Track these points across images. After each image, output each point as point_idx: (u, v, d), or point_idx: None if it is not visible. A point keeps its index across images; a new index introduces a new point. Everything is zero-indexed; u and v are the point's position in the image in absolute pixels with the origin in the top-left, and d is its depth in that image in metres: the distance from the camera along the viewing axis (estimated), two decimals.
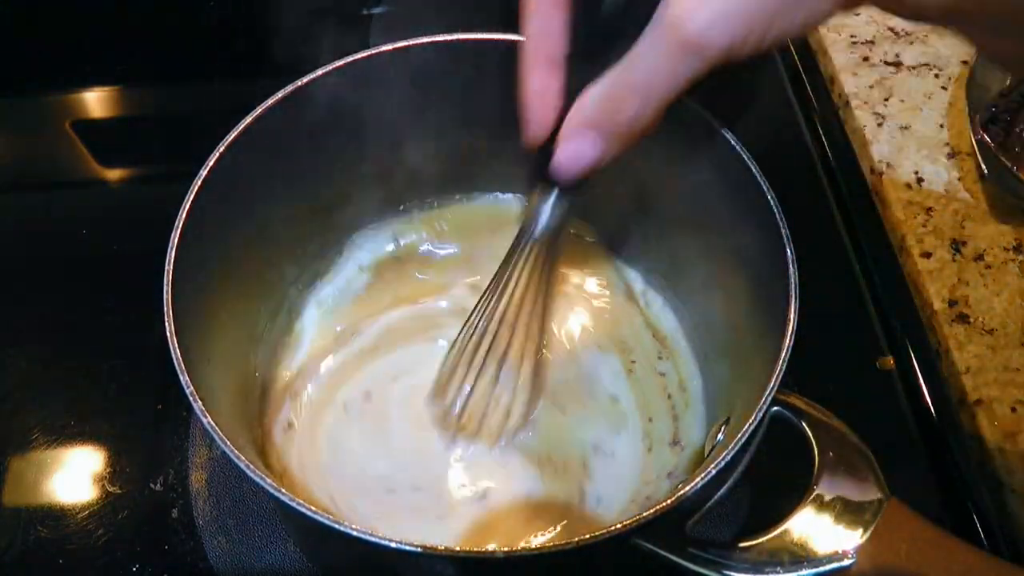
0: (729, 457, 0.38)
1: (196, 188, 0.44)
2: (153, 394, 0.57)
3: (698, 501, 0.42)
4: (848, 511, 0.40)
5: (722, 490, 0.42)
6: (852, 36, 0.75)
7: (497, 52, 0.48)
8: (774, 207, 0.44)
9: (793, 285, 0.42)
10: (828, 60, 0.74)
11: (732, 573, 0.39)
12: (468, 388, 0.50)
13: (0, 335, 0.62)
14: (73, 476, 0.55)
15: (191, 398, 0.38)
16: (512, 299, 0.45)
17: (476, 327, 0.47)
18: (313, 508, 0.35)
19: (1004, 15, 0.30)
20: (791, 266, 0.42)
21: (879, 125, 0.68)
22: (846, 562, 0.39)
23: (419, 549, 0.35)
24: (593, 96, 0.35)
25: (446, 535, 0.48)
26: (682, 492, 0.37)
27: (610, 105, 0.34)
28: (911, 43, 0.74)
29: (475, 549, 0.39)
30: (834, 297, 0.62)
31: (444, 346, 0.54)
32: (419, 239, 0.61)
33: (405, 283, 0.59)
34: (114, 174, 0.73)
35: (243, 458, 0.37)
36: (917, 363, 0.58)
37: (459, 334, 0.49)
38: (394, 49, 0.49)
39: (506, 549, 0.35)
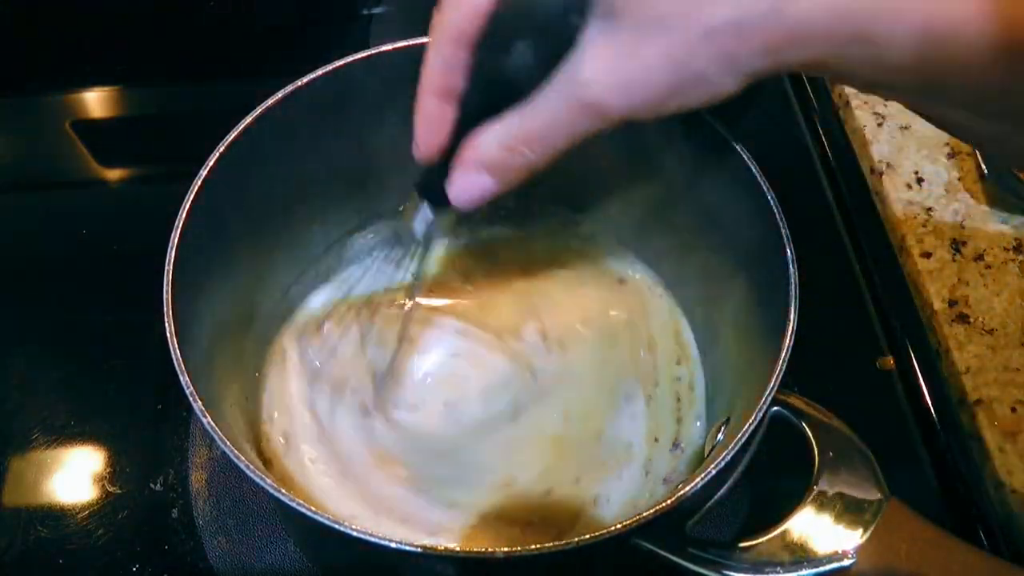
0: (729, 457, 0.38)
1: (196, 188, 0.44)
2: (153, 394, 0.57)
3: (698, 501, 0.42)
4: (848, 511, 0.40)
5: (722, 490, 0.42)
6: None
7: None
8: (774, 207, 0.44)
9: (793, 285, 0.42)
10: None
11: (732, 573, 0.39)
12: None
13: (0, 335, 0.62)
14: (73, 476, 0.55)
15: (191, 398, 0.38)
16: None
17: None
18: (313, 508, 0.35)
19: (975, 86, 0.29)
20: (791, 266, 0.42)
21: (879, 125, 0.68)
22: (846, 562, 0.39)
23: (419, 549, 0.35)
24: (490, 139, 0.36)
25: (455, 523, 0.48)
26: (682, 492, 0.37)
27: (507, 151, 0.36)
28: None
29: (475, 549, 0.39)
30: (834, 297, 0.62)
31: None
32: None
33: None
34: (114, 174, 0.73)
35: (243, 458, 0.37)
36: (917, 363, 0.58)
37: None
38: (394, 49, 0.49)
39: (506, 549, 0.35)
